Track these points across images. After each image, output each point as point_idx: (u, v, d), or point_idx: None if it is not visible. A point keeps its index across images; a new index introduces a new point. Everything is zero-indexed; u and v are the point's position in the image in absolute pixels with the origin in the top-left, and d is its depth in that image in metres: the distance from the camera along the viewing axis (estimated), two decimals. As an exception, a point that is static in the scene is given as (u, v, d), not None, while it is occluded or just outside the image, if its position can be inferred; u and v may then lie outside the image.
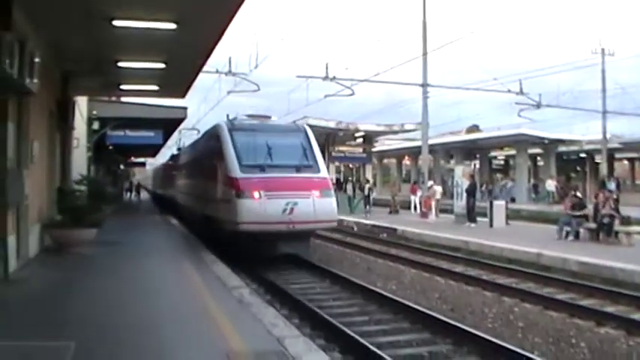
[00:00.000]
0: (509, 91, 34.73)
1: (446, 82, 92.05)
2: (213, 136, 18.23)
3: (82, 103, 22.16)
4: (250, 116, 18.59)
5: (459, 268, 15.88)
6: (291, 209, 14.76)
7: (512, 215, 26.44)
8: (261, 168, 15.53)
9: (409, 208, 34.12)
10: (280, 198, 14.82)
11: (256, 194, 14.77)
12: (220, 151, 16.40)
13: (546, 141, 48.12)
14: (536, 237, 19.82)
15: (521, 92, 34.80)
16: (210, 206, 17.71)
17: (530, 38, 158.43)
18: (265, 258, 15.27)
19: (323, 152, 32.18)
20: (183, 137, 43.04)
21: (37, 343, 6.29)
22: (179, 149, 36.49)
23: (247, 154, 15.88)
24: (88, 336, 6.60)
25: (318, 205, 15.26)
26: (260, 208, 14.64)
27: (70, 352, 5.84)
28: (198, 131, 37.35)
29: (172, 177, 33.67)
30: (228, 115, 18.94)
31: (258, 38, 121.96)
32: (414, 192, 34.42)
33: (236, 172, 15.41)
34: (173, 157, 37.46)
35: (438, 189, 31.60)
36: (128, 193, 55.75)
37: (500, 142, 52.15)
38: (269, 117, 19.14)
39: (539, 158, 56.16)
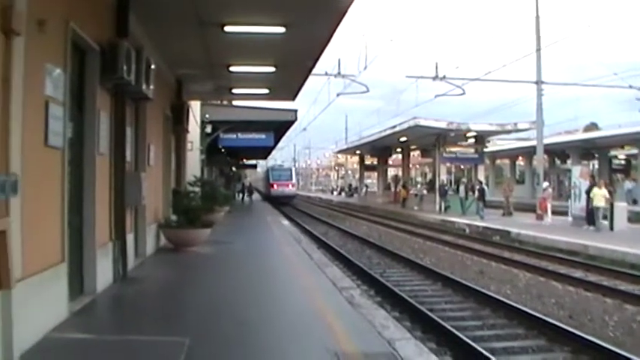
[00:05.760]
0: (630, 86, 32.99)
1: (561, 79, 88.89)
2: (269, 169, 66.75)
3: (195, 107, 22.82)
4: (278, 164, 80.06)
5: (577, 273, 15.17)
6: (284, 190, 59.17)
7: (635, 218, 25.02)
8: (277, 180, 60.05)
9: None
10: (281, 188, 59.25)
11: (275, 186, 59.12)
12: (268, 175, 62.32)
13: (672, 138, 45.33)
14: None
15: (643, 87, 32.94)
16: (267, 189, 61.73)
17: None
18: (280, 204, 51.45)
19: (434, 153, 38.96)
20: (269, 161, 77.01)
21: (154, 338, 6.47)
22: (267, 169, 69.85)
23: (274, 176, 60.82)
24: (201, 331, 6.73)
25: (290, 190, 60.90)
26: (276, 190, 58.77)
27: (185, 348, 5.95)
28: (275, 160, 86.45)
29: (262, 181, 73.28)
30: (276, 161, 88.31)
31: (367, 39, 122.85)
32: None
33: (271, 180, 60.11)
34: (264, 173, 73.59)
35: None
36: (240, 195, 56.96)
37: (621, 141, 49.60)
38: (283, 164, 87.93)
39: (664, 157, 53.04)
